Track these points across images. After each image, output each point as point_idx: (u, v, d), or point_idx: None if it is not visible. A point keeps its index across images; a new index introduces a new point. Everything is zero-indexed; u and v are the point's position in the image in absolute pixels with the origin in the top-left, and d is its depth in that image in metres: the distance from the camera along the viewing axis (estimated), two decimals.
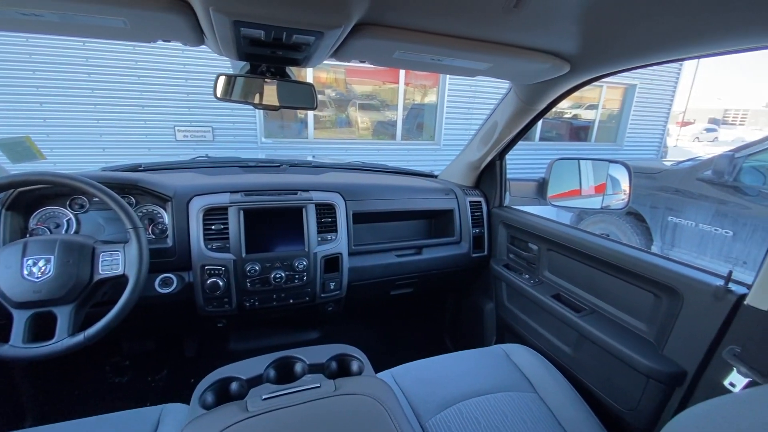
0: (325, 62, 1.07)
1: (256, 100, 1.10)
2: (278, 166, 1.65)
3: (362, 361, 0.96)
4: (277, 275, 1.27)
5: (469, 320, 1.86)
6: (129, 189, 1.23)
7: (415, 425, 0.96)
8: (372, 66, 1.07)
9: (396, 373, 1.13)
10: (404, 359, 1.20)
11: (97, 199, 1.01)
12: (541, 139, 7.38)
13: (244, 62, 1.05)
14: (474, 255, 1.63)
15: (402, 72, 6.02)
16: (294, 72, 1.10)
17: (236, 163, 1.65)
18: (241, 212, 1.26)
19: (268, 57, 0.97)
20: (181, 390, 1.60)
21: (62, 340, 0.90)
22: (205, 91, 4.99)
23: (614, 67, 1.03)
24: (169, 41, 0.93)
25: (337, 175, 1.62)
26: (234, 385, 0.88)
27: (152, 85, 5.01)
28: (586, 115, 7.68)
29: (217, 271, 1.23)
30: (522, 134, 1.49)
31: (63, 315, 0.92)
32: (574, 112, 7.71)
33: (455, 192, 1.64)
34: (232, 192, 1.30)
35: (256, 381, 0.88)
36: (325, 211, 1.37)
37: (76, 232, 1.18)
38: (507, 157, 1.63)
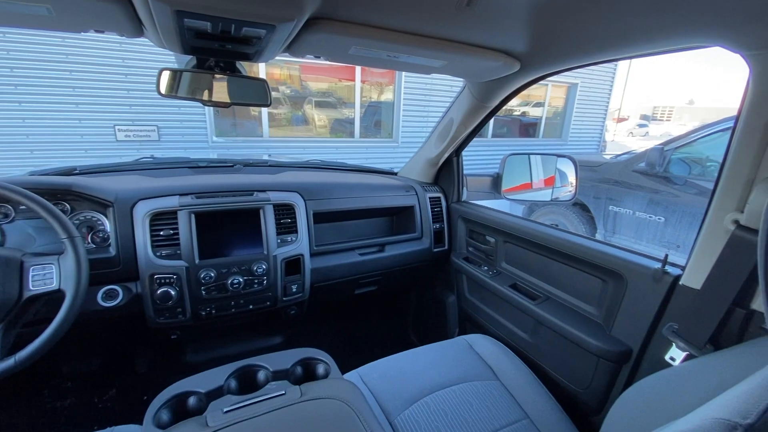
0: (278, 57, 1.02)
1: (205, 97, 1.04)
2: (232, 166, 1.57)
3: (328, 363, 0.94)
4: (235, 281, 1.21)
5: (432, 314, 1.89)
6: (62, 195, 1.11)
7: (384, 423, 0.96)
8: (328, 62, 1.05)
9: (363, 373, 1.12)
10: (371, 358, 1.20)
11: (24, 207, 0.91)
12: (494, 135, 7.67)
13: (190, 56, 0.99)
14: (435, 250, 1.66)
15: (358, 69, 5.99)
16: (245, 67, 1.05)
17: (185, 163, 1.55)
18: (193, 216, 1.19)
19: (216, 51, 0.91)
20: (133, 409, 1.49)
21: None
22: (149, 88, 4.66)
23: (560, 66, 1.08)
24: (102, 32, 0.85)
25: (296, 174, 1.58)
26: (192, 400, 0.83)
27: (87, 81, 4.60)
28: (534, 112, 8.09)
29: (168, 280, 1.15)
30: (477, 131, 1.53)
31: None
32: (523, 109, 8.08)
33: (415, 189, 1.66)
34: (181, 195, 1.22)
35: (216, 393, 0.83)
36: (284, 212, 1.33)
37: (1, 244, 1.06)
38: (463, 153, 1.67)
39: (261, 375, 0.90)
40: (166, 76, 1.00)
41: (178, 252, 1.17)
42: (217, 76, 1.01)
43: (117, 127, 4.90)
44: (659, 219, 3.52)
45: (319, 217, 1.43)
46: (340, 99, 6.28)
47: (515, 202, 3.58)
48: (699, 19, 0.69)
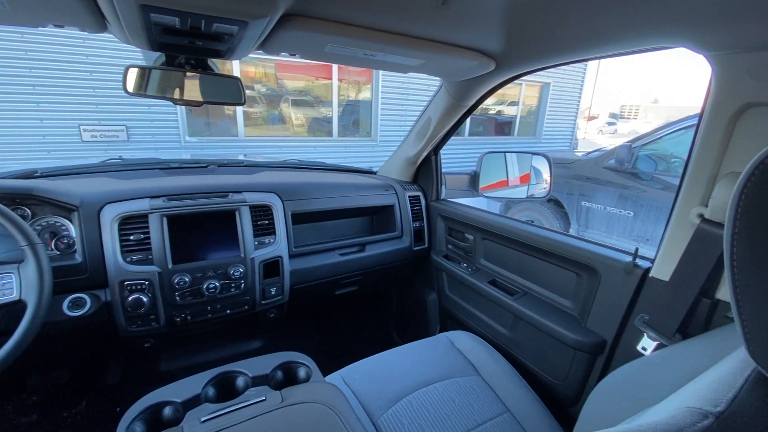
0: (252, 55, 1.00)
1: (176, 95, 1.00)
2: (205, 167, 1.52)
3: (309, 366, 0.93)
4: (211, 285, 1.17)
5: (413, 312, 1.89)
6: (22, 199, 1.05)
7: (368, 424, 0.95)
8: (304, 60, 1.03)
9: (345, 374, 1.11)
10: (353, 358, 1.19)
11: None
12: (471, 134, 7.77)
13: (159, 53, 0.95)
14: (415, 248, 1.66)
15: (335, 67, 5.94)
16: (218, 65, 1.01)
17: (156, 164, 1.49)
18: (165, 219, 1.14)
19: (185, 47, 0.88)
20: (105, 422, 1.43)
21: None
22: (116, 86, 4.46)
23: (534, 65, 1.10)
24: (62, 27, 0.80)
25: (272, 175, 1.54)
26: (168, 410, 0.80)
27: (48, 79, 4.35)
28: (509, 111, 8.24)
29: (139, 286, 1.10)
30: (454, 129, 1.54)
31: None
32: (498, 108, 8.22)
33: (395, 187, 1.65)
34: (152, 197, 1.17)
35: (193, 402, 0.80)
36: (261, 213, 1.30)
37: None
38: (441, 151, 1.68)
39: (240, 381, 0.88)
40: (133, 74, 0.95)
41: (150, 257, 1.12)
42: (188, 74, 0.98)
43: (82, 127, 4.66)
44: (629, 213, 3.66)
45: (298, 218, 1.41)
46: (318, 98, 6.20)
47: (492, 199, 3.64)
48: (665, 21, 0.71)
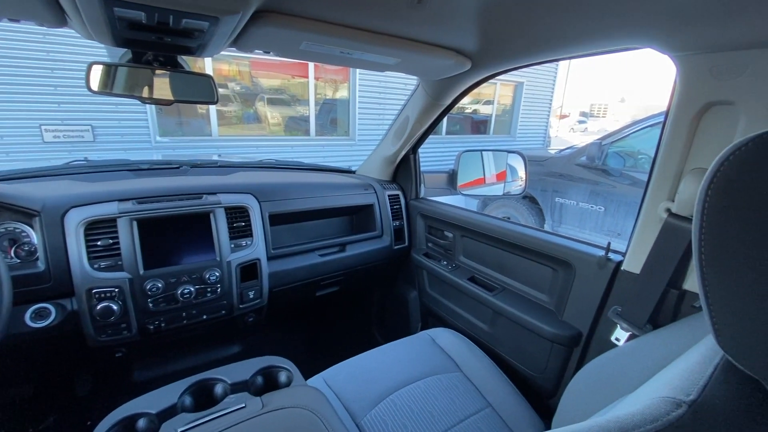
0: (225, 52, 0.97)
1: (145, 94, 0.96)
2: (178, 168, 1.47)
3: (290, 370, 0.91)
4: (186, 290, 1.13)
5: (395, 311, 1.90)
6: None
7: (351, 426, 0.94)
8: (279, 58, 1.01)
9: (327, 376, 1.10)
10: (335, 360, 1.17)
11: None
12: (448, 133, 7.85)
13: (125, 49, 0.91)
14: (396, 247, 1.66)
15: (311, 66, 5.86)
16: (188, 62, 0.98)
17: (125, 166, 1.42)
18: (135, 223, 1.09)
19: (153, 44, 0.84)
20: None
21: None
22: (80, 84, 4.24)
23: (508, 65, 1.12)
24: (17, 21, 0.75)
25: (248, 175, 1.51)
26: (142, 422, 0.76)
27: (6, 77, 4.10)
28: (484, 110, 8.38)
29: (109, 294, 1.05)
30: (432, 128, 1.55)
31: None
32: (474, 107, 8.35)
33: (374, 187, 1.65)
34: (120, 200, 1.12)
35: (168, 413, 0.77)
36: (237, 215, 1.26)
37: None
38: (419, 150, 1.69)
39: (218, 389, 0.85)
40: (98, 71, 0.90)
41: (120, 263, 1.07)
42: (157, 71, 0.94)
43: (43, 128, 4.41)
44: (600, 209, 3.79)
45: (276, 219, 1.38)
46: (294, 96, 6.11)
47: (470, 197, 3.69)
48: (633, 23, 0.73)
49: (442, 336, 1.30)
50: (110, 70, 0.92)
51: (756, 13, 0.60)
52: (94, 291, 1.04)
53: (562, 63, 9.78)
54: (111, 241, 1.07)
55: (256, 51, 0.93)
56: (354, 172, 1.88)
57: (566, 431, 0.40)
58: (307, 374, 1.01)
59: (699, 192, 0.38)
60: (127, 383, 1.50)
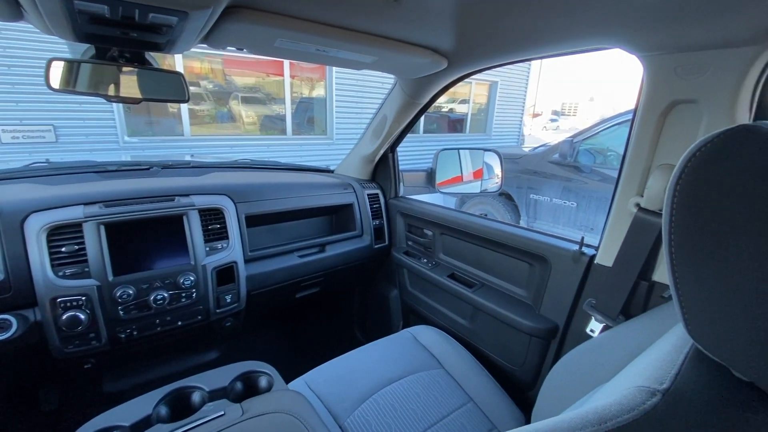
0: (196, 49, 0.93)
1: (111, 92, 0.91)
2: (148, 169, 1.41)
3: (270, 375, 0.89)
4: (159, 296, 1.09)
5: (376, 310, 1.89)
6: None
7: (334, 428, 0.93)
8: (253, 56, 0.98)
9: (309, 379, 1.08)
10: (317, 362, 1.16)
11: None
12: (425, 131, 7.91)
13: (87, 44, 0.86)
14: (376, 246, 1.66)
15: (287, 63, 5.77)
16: (157, 59, 0.94)
17: (90, 168, 1.35)
18: (102, 227, 1.04)
19: (118, 39, 0.80)
20: None
21: None
22: (40, 81, 4.01)
23: (484, 64, 1.13)
24: None
25: (223, 176, 1.46)
26: None
27: None
28: (460, 108, 8.50)
29: (75, 303, 1.00)
30: (410, 127, 1.55)
31: None
32: (450, 106, 8.44)
33: (353, 186, 1.63)
34: (86, 204, 1.06)
35: (143, 425, 0.74)
36: (212, 217, 1.23)
37: None
38: (398, 149, 1.69)
39: (196, 396, 0.82)
40: (58, 68, 0.85)
41: (87, 270, 1.02)
42: (124, 68, 0.89)
43: (1, 128, 4.15)
44: (572, 204, 3.91)
45: (253, 220, 1.35)
46: (269, 95, 6.00)
47: (448, 195, 3.73)
48: (603, 25, 0.76)
49: (424, 333, 1.30)
50: (72, 66, 0.87)
51: (715, 15, 0.63)
52: (58, 300, 0.98)
53: (534, 63, 10.03)
54: (77, 247, 1.01)
55: (229, 48, 0.91)
56: (332, 172, 1.86)
57: (547, 424, 0.41)
58: (289, 378, 0.99)
59: (668, 187, 0.39)
60: (98, 395, 1.43)
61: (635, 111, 0.85)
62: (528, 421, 0.98)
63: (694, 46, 0.71)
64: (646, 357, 0.52)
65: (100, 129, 4.68)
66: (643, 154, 0.84)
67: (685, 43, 0.72)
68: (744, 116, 0.70)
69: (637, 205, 0.85)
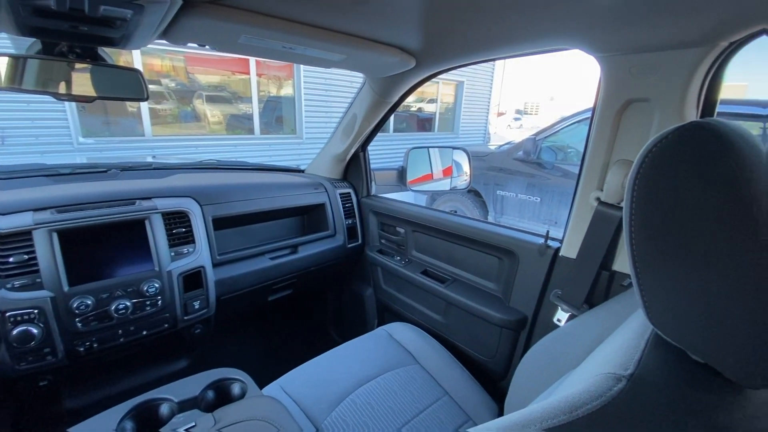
0: (155, 45, 0.88)
1: (61, 90, 0.84)
2: (105, 171, 1.32)
3: (244, 381, 0.86)
4: (121, 306, 1.02)
5: (351, 309, 1.88)
6: None
7: (311, 431, 0.91)
8: (217, 53, 0.94)
9: (284, 383, 1.06)
10: (293, 364, 1.13)
11: None
12: (395, 130, 7.94)
13: (33, 39, 0.79)
14: (349, 245, 1.64)
15: (253, 61, 5.60)
16: (113, 55, 0.88)
17: (40, 171, 1.25)
18: (55, 235, 0.97)
19: (67, 34, 0.74)
20: None
21: None
22: None
23: (451, 63, 1.14)
24: None
25: (188, 177, 1.40)
26: None
27: None
28: (429, 108, 8.60)
29: (26, 316, 0.92)
30: (380, 125, 1.55)
31: None
32: (419, 105, 8.52)
33: (325, 185, 1.61)
34: (36, 210, 0.98)
35: None
36: (176, 221, 1.17)
37: None
38: (368, 147, 1.68)
39: (164, 409, 0.78)
40: (1, 65, 0.78)
41: (38, 280, 0.94)
42: (76, 65, 0.83)
43: None
44: (536, 199, 4.06)
45: (220, 223, 1.30)
46: (235, 93, 5.81)
47: (419, 192, 3.76)
48: (563, 27, 0.78)
49: (398, 330, 1.31)
50: (17, 62, 0.79)
51: (666, 18, 0.67)
52: (8, 314, 0.90)
53: (498, 63, 10.30)
54: (26, 256, 0.93)
55: (190, 44, 0.86)
56: (303, 171, 1.82)
57: (522, 414, 0.42)
58: (263, 383, 0.96)
59: (628, 183, 0.41)
60: (57, 414, 1.33)
61: (594, 109, 0.89)
62: (502, 411, 1.00)
63: (646, 47, 0.75)
64: (611, 343, 0.54)
65: (52, 129, 4.35)
66: (602, 150, 0.87)
67: (638, 45, 0.75)
68: (692, 113, 0.75)
69: (598, 198, 0.89)
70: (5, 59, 0.78)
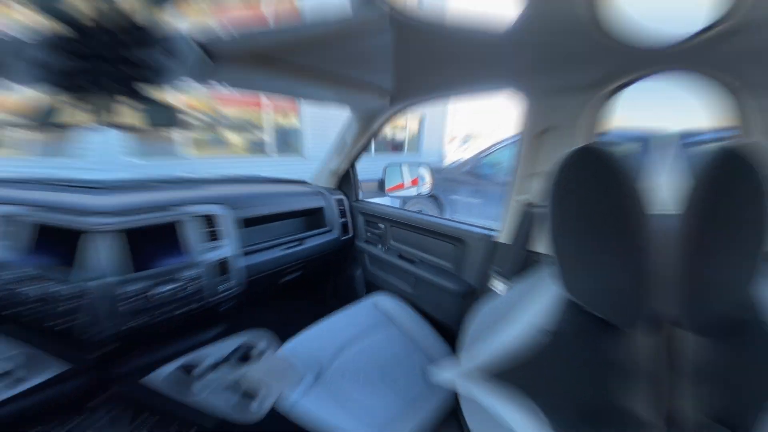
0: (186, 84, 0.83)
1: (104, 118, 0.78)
2: (152, 184, 1.24)
3: (265, 341, 0.83)
4: (164, 289, 0.96)
5: (345, 285, 1.85)
6: None
7: (314, 381, 0.89)
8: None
9: (294, 342, 1.03)
10: (301, 328, 1.10)
11: None
12: (376, 151, 7.90)
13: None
14: (343, 238, 1.62)
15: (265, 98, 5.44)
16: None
17: (126, 183, 1.16)
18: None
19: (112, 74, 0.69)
20: None
21: None
22: None
23: (416, 101, 1.14)
24: None
25: (217, 188, 1.34)
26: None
27: None
28: (400, 134, 8.61)
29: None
30: (364, 148, 1.53)
31: None
32: (394, 132, 8.51)
33: (323, 193, 1.58)
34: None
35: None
36: (208, 222, 1.11)
37: None
38: (357, 164, 1.66)
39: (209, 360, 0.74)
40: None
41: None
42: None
43: None
44: (479, 202, 4.14)
45: (244, 223, 1.24)
46: (253, 123, 5.62)
47: (394, 198, 3.77)
48: (499, 75, 0.79)
49: (382, 300, 1.30)
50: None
51: (569, 70, 0.69)
52: None
53: (451, 103, 10.40)
54: None
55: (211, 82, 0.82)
56: (307, 183, 1.78)
57: (474, 362, 0.41)
58: (280, 342, 0.93)
59: (549, 186, 0.41)
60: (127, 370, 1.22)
61: (521, 134, 0.90)
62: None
63: (558, 90, 0.77)
64: (535, 305, 0.55)
65: (112, 156, 4.06)
66: (528, 164, 0.89)
67: (553, 87, 0.77)
68: (589, 137, 0.77)
69: (523, 201, 0.90)
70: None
